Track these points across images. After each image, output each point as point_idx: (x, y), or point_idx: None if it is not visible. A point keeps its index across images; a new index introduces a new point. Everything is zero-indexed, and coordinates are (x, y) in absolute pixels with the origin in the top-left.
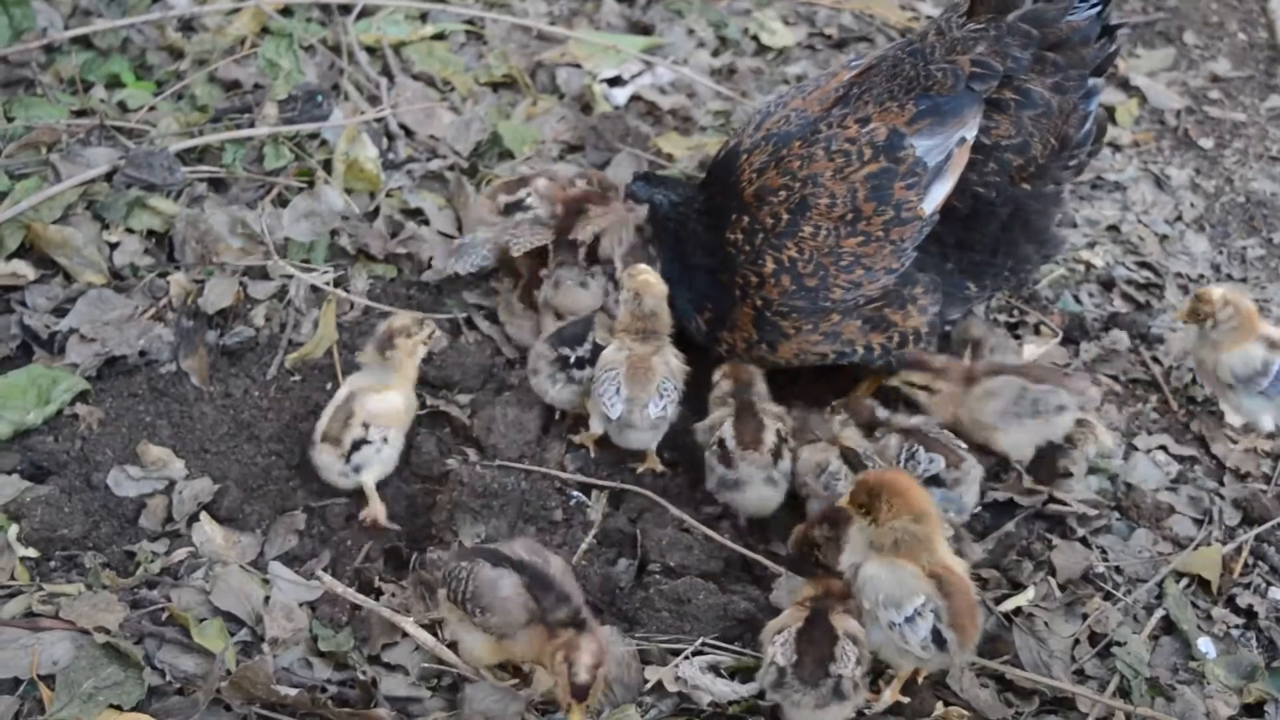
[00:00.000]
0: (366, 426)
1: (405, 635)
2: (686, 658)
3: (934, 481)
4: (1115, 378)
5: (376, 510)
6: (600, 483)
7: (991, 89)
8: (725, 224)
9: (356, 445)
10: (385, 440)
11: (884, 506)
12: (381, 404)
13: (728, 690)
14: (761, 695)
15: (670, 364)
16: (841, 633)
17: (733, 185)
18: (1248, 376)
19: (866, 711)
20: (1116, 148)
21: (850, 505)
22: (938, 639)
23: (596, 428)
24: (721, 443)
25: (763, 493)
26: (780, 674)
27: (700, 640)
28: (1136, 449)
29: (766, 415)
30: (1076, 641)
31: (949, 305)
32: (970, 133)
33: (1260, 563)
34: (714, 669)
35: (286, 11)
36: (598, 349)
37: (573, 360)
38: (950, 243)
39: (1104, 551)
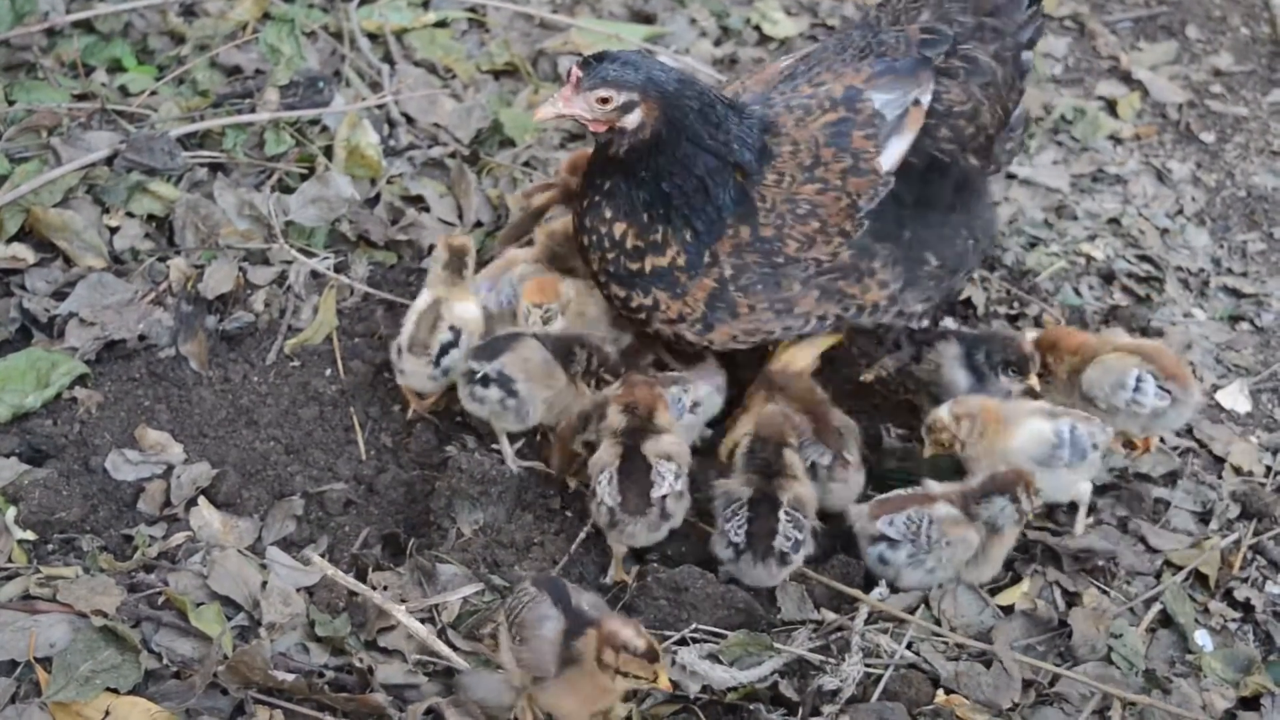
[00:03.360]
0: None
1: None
2: (685, 643)
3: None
4: None
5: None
6: None
7: (942, 54)
8: None
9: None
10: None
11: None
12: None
13: (726, 676)
14: (761, 680)
15: None
16: (654, 457)
17: None
18: (1043, 456)
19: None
20: (1118, 141)
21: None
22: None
23: None
24: None
25: None
26: (611, 513)
27: (693, 625)
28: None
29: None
30: (1071, 634)
31: (911, 287)
32: (925, 96)
33: (1258, 557)
34: (713, 657)
35: None
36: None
37: (479, 376)
38: (908, 202)
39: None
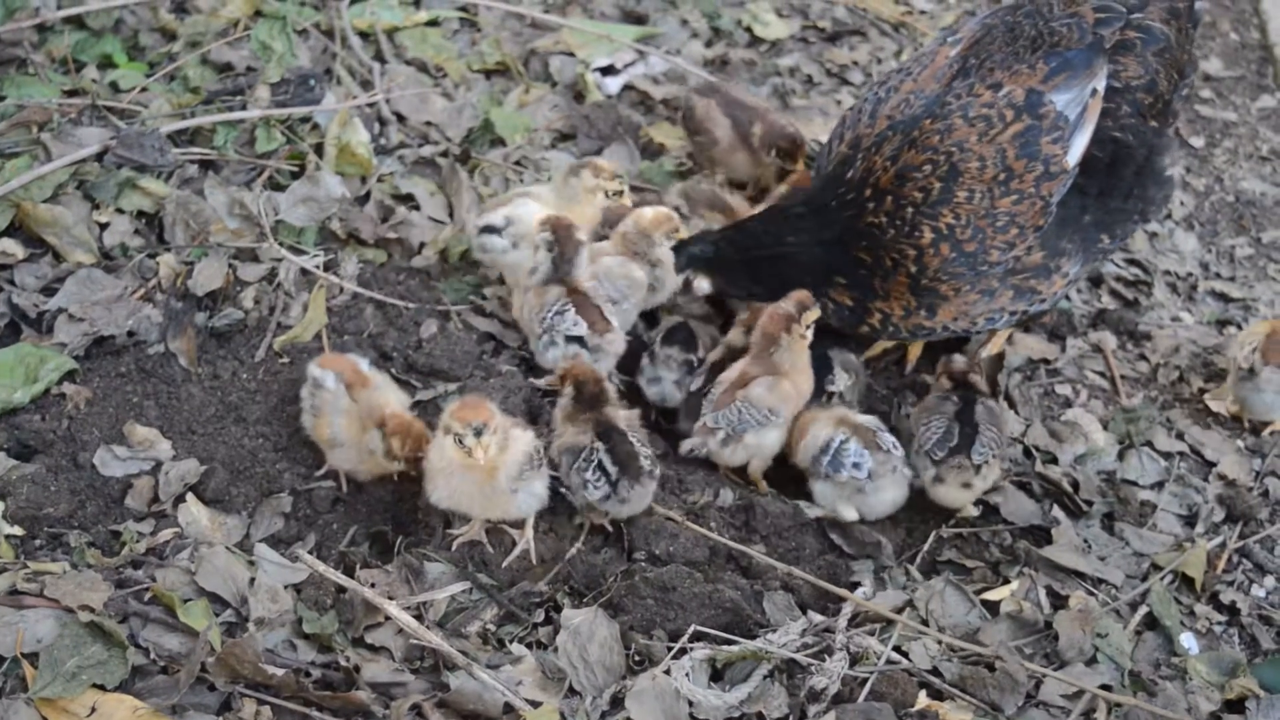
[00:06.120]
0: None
1: (389, 617)
2: (674, 657)
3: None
4: (1102, 374)
5: None
6: None
7: (1116, 33)
8: (860, 210)
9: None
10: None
11: None
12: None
13: (719, 704)
14: (748, 699)
15: None
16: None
17: (858, 179)
18: (808, 458)
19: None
20: None
21: None
22: None
23: None
24: None
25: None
26: None
27: (691, 628)
28: (1120, 444)
29: None
30: (1057, 637)
31: (1085, 263)
32: (1100, 84)
33: (1244, 560)
34: (712, 663)
35: None
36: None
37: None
38: (1092, 194)
39: (1088, 544)
